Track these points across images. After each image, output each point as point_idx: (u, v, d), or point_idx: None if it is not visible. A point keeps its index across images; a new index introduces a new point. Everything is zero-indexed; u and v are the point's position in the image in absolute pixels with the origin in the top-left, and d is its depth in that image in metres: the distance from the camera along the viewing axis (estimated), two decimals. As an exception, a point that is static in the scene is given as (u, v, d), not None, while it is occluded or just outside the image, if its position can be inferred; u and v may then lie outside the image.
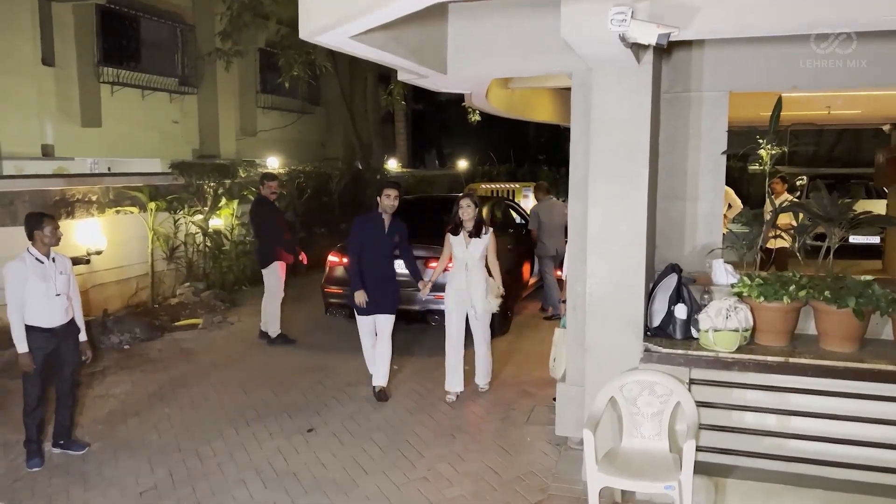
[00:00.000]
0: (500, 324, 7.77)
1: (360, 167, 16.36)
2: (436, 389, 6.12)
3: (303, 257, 8.00)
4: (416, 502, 4.32)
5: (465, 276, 5.80)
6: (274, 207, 7.81)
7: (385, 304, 5.88)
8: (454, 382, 5.95)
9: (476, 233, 5.80)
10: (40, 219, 4.74)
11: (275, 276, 7.61)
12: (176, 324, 8.50)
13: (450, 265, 6.11)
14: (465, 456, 4.95)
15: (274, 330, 7.74)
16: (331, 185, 13.56)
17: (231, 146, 16.54)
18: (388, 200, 5.75)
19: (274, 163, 13.99)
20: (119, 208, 8.86)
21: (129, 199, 9.01)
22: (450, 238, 5.91)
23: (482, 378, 6.13)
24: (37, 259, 4.73)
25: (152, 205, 9.07)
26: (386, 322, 5.92)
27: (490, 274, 5.99)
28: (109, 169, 13.23)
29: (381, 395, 5.91)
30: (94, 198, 8.52)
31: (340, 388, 6.33)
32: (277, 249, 7.57)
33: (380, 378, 5.94)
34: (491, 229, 5.94)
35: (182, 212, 9.63)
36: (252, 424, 5.54)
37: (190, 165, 10.59)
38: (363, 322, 5.96)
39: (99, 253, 8.28)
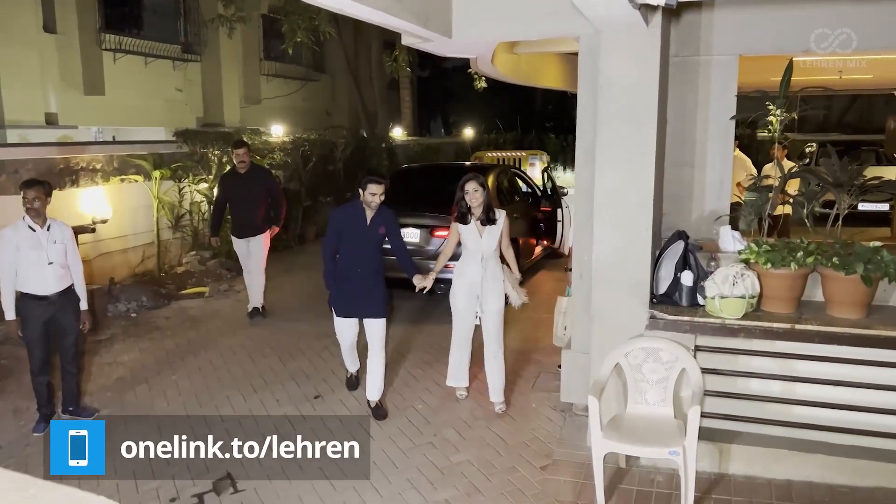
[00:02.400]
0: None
1: (366, 135, 16.25)
2: (442, 357, 6.14)
3: (274, 230, 7.49)
4: (423, 467, 4.36)
5: (482, 269, 4.97)
6: (240, 179, 7.23)
7: (373, 307, 4.96)
8: (460, 377, 5.33)
9: (489, 219, 4.96)
10: (24, 185, 4.74)
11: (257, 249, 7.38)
12: (182, 292, 8.54)
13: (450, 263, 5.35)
14: (470, 423, 4.98)
15: (254, 302, 7.55)
16: (336, 153, 13.48)
17: (235, 114, 16.45)
18: (373, 198, 4.81)
19: (278, 131, 13.90)
20: (124, 177, 8.84)
21: (134, 167, 8.98)
22: (458, 228, 5.02)
23: (498, 394, 5.13)
24: (29, 227, 4.73)
25: (157, 173, 9.04)
26: (376, 329, 4.98)
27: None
28: (114, 138, 13.19)
29: (379, 412, 5.06)
30: (98, 166, 8.50)
31: (347, 355, 6.36)
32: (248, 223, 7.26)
33: (374, 392, 5.08)
34: (504, 211, 5.08)
35: (187, 180, 9.59)
36: (260, 391, 5.59)
37: (194, 133, 10.53)
38: (340, 322, 5.12)
39: (104, 221, 8.28)
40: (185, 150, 9.86)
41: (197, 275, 9.06)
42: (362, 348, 5.27)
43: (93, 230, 7.96)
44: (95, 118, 12.96)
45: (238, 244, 7.44)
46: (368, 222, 4.89)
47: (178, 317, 7.68)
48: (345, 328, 5.14)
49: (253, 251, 7.36)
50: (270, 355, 6.39)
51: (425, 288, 5.01)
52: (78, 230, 6.25)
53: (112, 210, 8.46)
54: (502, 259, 5.16)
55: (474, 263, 4.99)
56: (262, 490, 4.14)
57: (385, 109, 18.88)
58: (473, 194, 4.91)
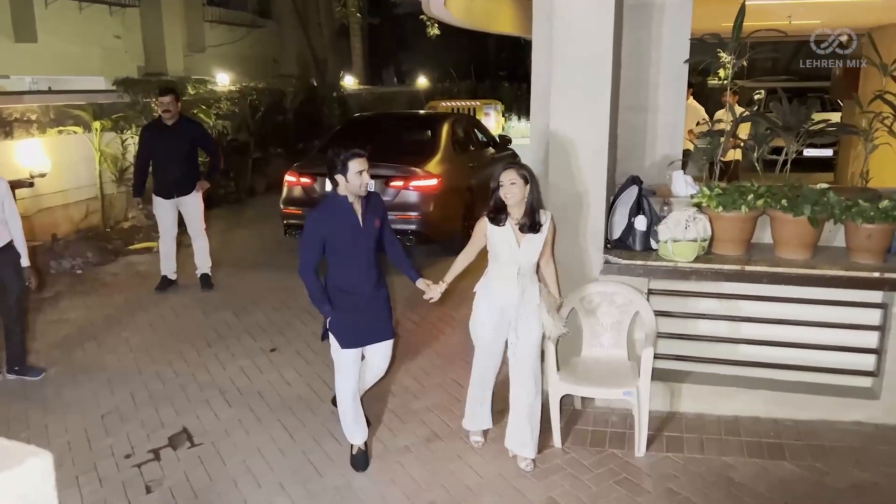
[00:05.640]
0: (463, 241, 7.75)
1: (316, 84, 15.85)
2: (402, 310, 6.12)
3: (203, 185, 6.74)
4: (382, 415, 4.38)
5: (518, 288, 3.70)
6: (166, 131, 6.46)
7: (381, 328, 3.79)
8: (482, 419, 4.05)
9: (532, 225, 3.65)
10: None
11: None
12: (130, 247, 8.30)
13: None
14: (429, 371, 5.01)
15: (203, 268, 6.96)
16: (285, 102, 13.13)
17: (179, 63, 15.85)
18: (361, 180, 3.53)
19: (224, 80, 13.47)
20: (62, 128, 8.45)
21: (72, 118, 8.59)
22: (488, 229, 3.71)
23: (528, 447, 3.78)
24: None
25: (97, 124, 8.67)
26: (385, 351, 3.86)
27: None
28: (50, 88, 12.57)
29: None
30: (33, 117, 8.10)
31: (303, 307, 6.29)
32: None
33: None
34: (550, 214, 3.76)
35: (129, 131, 9.21)
36: (214, 345, 5.50)
37: (135, 82, 10.10)
38: (348, 358, 3.70)
39: (43, 175, 7.93)
40: (126, 100, 9.46)
41: (144, 229, 8.80)
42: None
43: (31, 184, 7.63)
44: (28, 67, 12.31)
45: (162, 206, 6.58)
46: (362, 221, 3.63)
47: (126, 272, 7.48)
48: (353, 363, 3.72)
49: (188, 213, 6.65)
50: (224, 309, 6.29)
51: (432, 299, 3.86)
52: (14, 184, 5.96)
53: (51, 163, 8.11)
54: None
55: (508, 279, 3.70)
56: (220, 443, 4.11)
57: (335, 58, 18.43)
58: (510, 188, 3.57)
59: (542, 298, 3.77)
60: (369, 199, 3.69)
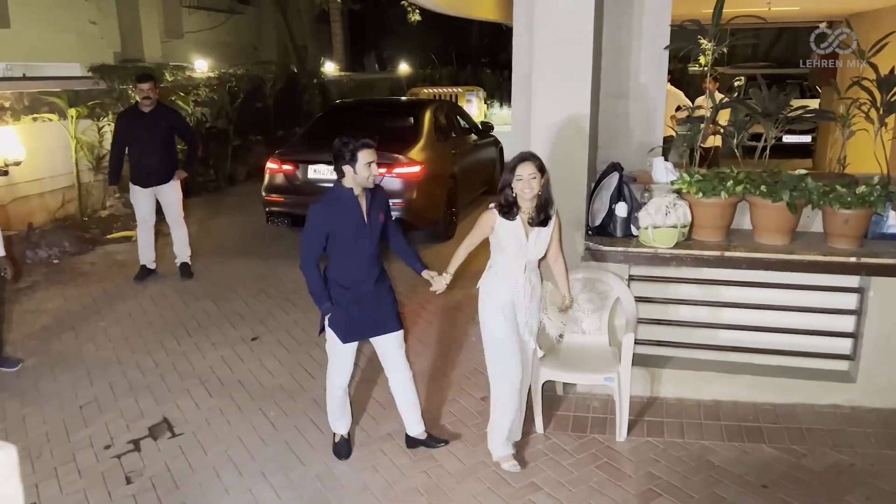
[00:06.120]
0: (446, 228, 7.78)
1: (296, 70, 15.69)
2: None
3: (181, 174, 6.66)
4: (364, 403, 4.38)
5: (526, 282, 3.57)
6: (143, 119, 6.32)
7: (385, 320, 3.67)
8: (517, 432, 3.79)
9: (542, 217, 3.52)
10: None
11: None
12: (108, 236, 8.18)
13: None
14: (412, 358, 4.93)
15: (182, 257, 6.89)
16: (265, 89, 12.99)
17: (156, 49, 15.62)
18: (369, 172, 3.39)
19: (203, 66, 13.29)
20: (36, 115, 8.29)
21: (47, 105, 8.42)
22: (497, 221, 3.49)
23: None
24: None
25: (72, 111, 8.51)
26: (394, 344, 3.72)
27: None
28: (24, 74, 12.32)
29: (436, 440, 3.88)
30: (6, 104, 7.93)
31: (285, 295, 6.27)
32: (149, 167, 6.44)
33: (417, 424, 3.86)
34: (555, 206, 3.61)
35: (106, 119, 9.06)
36: (194, 335, 5.46)
37: (111, 69, 9.91)
38: (345, 351, 3.64)
39: (17, 164, 7.78)
40: (102, 87, 9.30)
41: (123, 218, 8.68)
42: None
43: (5, 173, 7.49)
44: (1, 53, 12.05)
45: (139, 194, 6.48)
46: (367, 215, 3.50)
47: (104, 262, 7.38)
48: (349, 356, 3.67)
49: (166, 202, 6.58)
50: (204, 298, 6.23)
51: (438, 291, 3.69)
52: (-13, 172, 5.85)
53: (25, 151, 7.95)
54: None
55: (515, 273, 3.55)
56: (201, 433, 4.08)
57: (315, 44, 18.26)
58: (530, 182, 3.38)
59: (546, 295, 3.71)
60: (375, 192, 3.54)
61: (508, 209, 3.45)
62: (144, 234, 6.66)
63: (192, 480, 3.64)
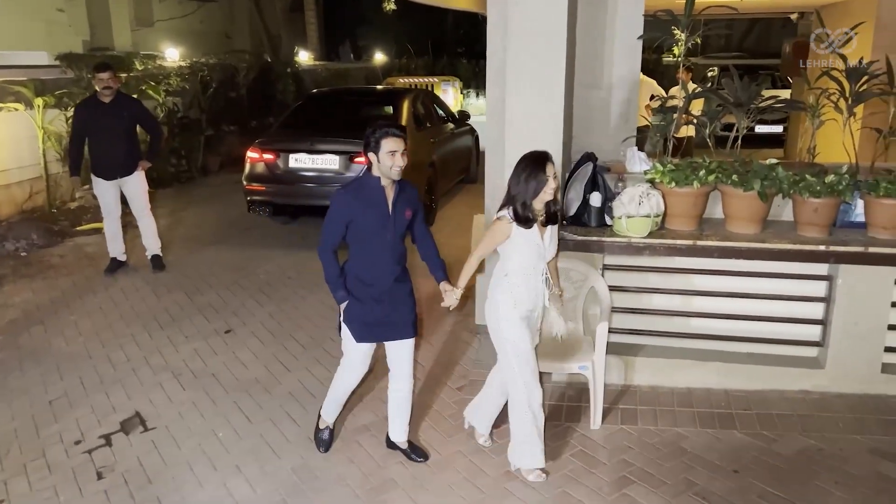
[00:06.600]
0: (426, 215, 7.75)
1: (269, 60, 15.51)
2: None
3: (144, 165, 6.50)
4: (339, 395, 4.36)
5: (544, 286, 3.48)
6: (103, 109, 6.18)
7: (401, 324, 3.51)
8: (541, 451, 3.49)
9: (554, 214, 3.41)
10: None
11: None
12: (77, 228, 8.05)
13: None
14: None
15: (152, 250, 6.78)
16: (238, 78, 12.83)
17: (126, 37, 15.32)
18: (393, 161, 3.26)
19: (174, 55, 13.08)
20: (2, 105, 8.10)
21: (13, 94, 8.23)
22: (514, 232, 3.29)
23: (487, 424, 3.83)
24: None
25: (39, 101, 8.33)
26: (406, 351, 3.58)
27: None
28: (-12, 63, 12.03)
29: (417, 452, 3.74)
30: (-30, 94, 7.75)
31: (259, 287, 6.21)
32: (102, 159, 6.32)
33: (402, 432, 3.75)
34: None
35: (74, 108, 8.90)
36: (166, 328, 5.39)
37: (80, 57, 9.72)
38: (360, 352, 3.53)
39: (-17, 154, 7.62)
40: (70, 76, 9.11)
41: (92, 210, 8.52)
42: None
43: (-30, 164, 7.32)
44: (-36, 41, 11.73)
45: (102, 186, 6.35)
46: (391, 208, 3.37)
47: (73, 254, 7.25)
48: (363, 358, 3.56)
49: (131, 194, 6.46)
50: (176, 290, 6.15)
51: (450, 306, 3.51)
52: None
53: (-9, 142, 7.78)
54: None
55: (535, 278, 3.40)
56: (174, 427, 4.03)
57: (289, 33, 18.06)
58: (553, 182, 3.24)
59: (551, 294, 3.62)
60: (403, 187, 3.42)
61: (526, 220, 3.27)
62: (111, 226, 6.54)
63: (165, 475, 3.60)
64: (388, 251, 3.40)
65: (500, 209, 3.36)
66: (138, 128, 6.59)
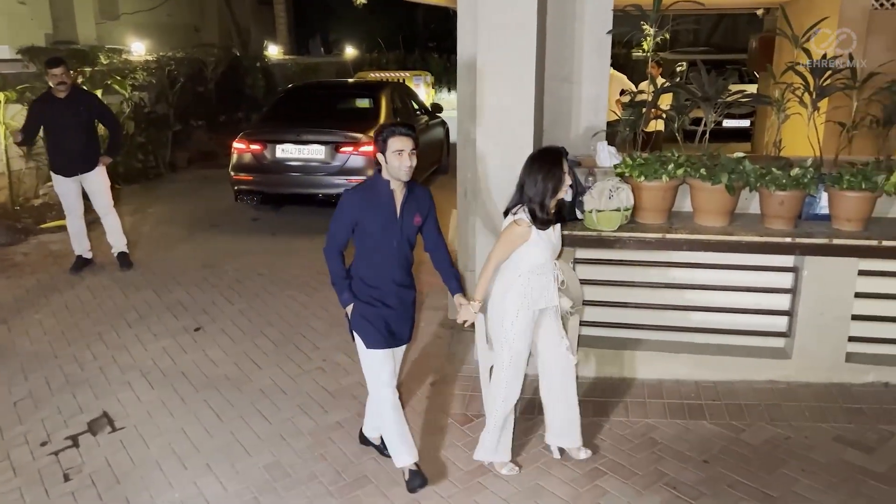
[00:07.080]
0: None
1: (238, 54, 15.31)
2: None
3: (105, 160, 6.35)
4: (312, 392, 4.33)
5: (556, 282, 3.42)
6: (58, 105, 6.03)
7: (403, 331, 3.43)
8: (509, 445, 3.57)
9: (559, 211, 3.39)
10: None
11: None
12: (42, 226, 7.88)
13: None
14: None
15: (119, 247, 6.64)
16: (206, 72, 12.65)
17: (90, 30, 15.02)
18: (401, 162, 3.12)
19: (140, 49, 12.86)
20: (-40, 100, 7.90)
21: (-28, 89, 8.03)
22: (533, 235, 3.24)
23: (575, 438, 3.63)
24: None
25: (0, 96, 8.13)
26: (396, 357, 3.53)
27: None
28: (-53, 57, 11.69)
29: (385, 446, 3.56)
30: (-73, 88, 7.53)
31: (228, 284, 6.14)
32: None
33: (374, 428, 3.69)
34: None
35: (37, 104, 8.69)
36: (134, 326, 5.30)
37: (42, 51, 9.51)
38: (377, 359, 3.33)
39: (-58, 150, 7.41)
40: (32, 71, 8.90)
41: (57, 207, 8.32)
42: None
43: (-72, 160, 7.12)
44: (-79, 34, 11.40)
45: (62, 184, 6.21)
46: (400, 211, 3.24)
47: (38, 252, 7.10)
48: (383, 364, 3.34)
49: (92, 190, 6.31)
50: (144, 288, 6.05)
51: (466, 322, 3.39)
52: None
53: (-51, 137, 7.57)
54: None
55: (548, 276, 3.36)
56: (143, 426, 3.97)
57: (258, 27, 17.86)
58: (566, 176, 3.25)
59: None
60: (415, 190, 3.28)
61: (546, 222, 3.22)
62: (74, 223, 6.40)
63: (134, 475, 3.55)
64: (393, 256, 3.27)
65: (513, 211, 3.28)
66: (98, 124, 6.45)
